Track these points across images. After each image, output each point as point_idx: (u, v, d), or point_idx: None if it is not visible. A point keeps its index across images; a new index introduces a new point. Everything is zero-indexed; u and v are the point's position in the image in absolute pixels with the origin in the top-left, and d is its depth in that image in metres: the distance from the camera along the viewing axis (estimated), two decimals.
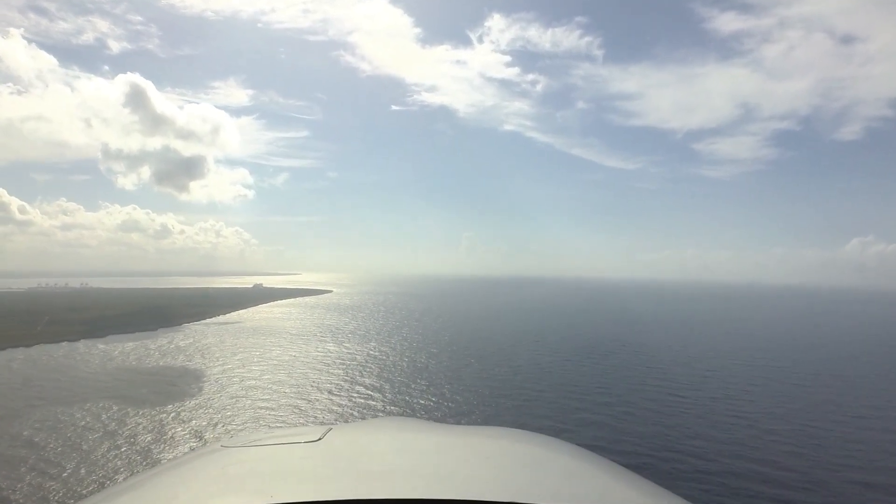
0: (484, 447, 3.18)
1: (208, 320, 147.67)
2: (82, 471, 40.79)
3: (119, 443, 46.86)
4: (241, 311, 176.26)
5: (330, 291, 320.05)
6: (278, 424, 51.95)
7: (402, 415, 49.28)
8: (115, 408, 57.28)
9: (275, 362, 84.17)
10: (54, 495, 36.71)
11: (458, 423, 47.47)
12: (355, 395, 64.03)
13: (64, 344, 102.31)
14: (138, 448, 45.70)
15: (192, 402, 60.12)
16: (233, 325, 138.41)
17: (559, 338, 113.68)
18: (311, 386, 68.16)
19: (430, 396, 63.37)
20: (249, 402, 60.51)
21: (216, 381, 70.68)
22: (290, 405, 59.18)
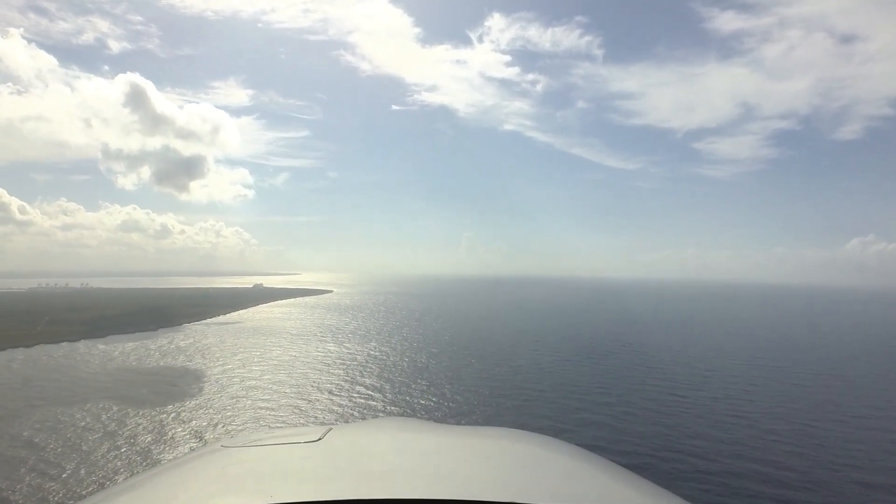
0: (484, 447, 3.18)
1: (208, 320, 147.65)
2: (82, 471, 40.77)
3: (119, 443, 46.86)
4: (241, 312, 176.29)
5: (330, 291, 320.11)
6: (278, 424, 51.93)
7: (402, 415, 49.31)
8: (115, 408, 57.29)
9: (275, 362, 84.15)
10: (54, 496, 36.69)
11: (459, 423, 47.40)
12: (356, 395, 64.01)
13: (64, 344, 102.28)
14: (138, 448, 45.70)
15: (193, 403, 60.12)
16: (233, 325, 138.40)
17: (559, 338, 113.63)
18: (312, 386, 68.16)
19: (430, 396, 63.36)
20: (250, 402, 60.51)
21: (216, 382, 70.68)
22: (290, 405, 59.17)
